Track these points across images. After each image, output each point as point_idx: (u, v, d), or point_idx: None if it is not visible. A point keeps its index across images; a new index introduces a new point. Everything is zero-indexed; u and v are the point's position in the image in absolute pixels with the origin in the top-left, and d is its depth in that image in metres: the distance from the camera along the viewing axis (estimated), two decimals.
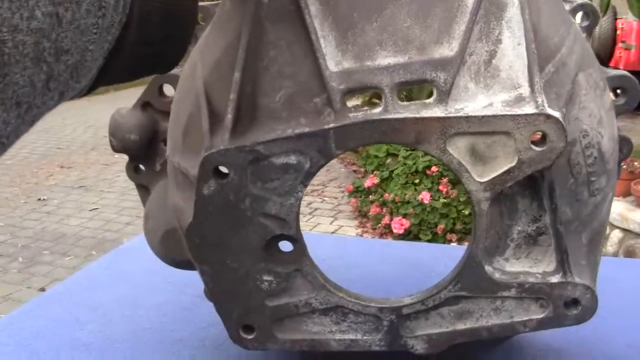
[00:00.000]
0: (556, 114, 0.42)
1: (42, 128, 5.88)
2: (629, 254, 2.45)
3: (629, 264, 0.96)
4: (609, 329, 0.65)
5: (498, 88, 0.43)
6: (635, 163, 2.68)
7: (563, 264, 0.47)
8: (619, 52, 4.81)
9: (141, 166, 0.62)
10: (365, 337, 0.49)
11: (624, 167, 2.72)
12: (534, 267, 0.48)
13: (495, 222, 0.47)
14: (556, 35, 0.47)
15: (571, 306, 0.48)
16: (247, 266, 0.48)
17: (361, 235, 3.34)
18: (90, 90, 0.31)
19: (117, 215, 3.78)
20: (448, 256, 0.81)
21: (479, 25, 0.44)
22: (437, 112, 0.43)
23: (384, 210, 3.32)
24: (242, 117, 0.45)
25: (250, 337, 0.50)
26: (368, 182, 3.53)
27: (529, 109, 0.42)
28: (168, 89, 0.60)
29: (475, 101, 0.43)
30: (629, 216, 2.47)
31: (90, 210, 3.93)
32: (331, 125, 0.43)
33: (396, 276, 0.79)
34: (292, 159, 0.44)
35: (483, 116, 0.42)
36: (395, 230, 3.18)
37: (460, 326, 0.49)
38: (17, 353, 0.62)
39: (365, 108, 0.44)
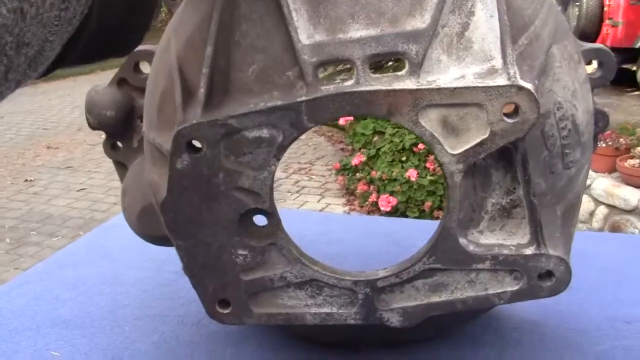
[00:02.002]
0: (528, 85, 0.42)
1: (28, 109, 5.84)
2: (614, 229, 2.47)
3: (611, 238, 0.97)
4: (586, 302, 0.66)
5: (470, 60, 0.43)
6: (621, 139, 2.69)
7: (537, 236, 0.47)
8: (606, 29, 4.81)
9: (118, 143, 0.62)
10: (340, 311, 0.49)
11: (609, 142, 2.74)
12: (508, 239, 0.48)
13: (469, 194, 0.47)
14: (530, 7, 0.47)
15: (545, 278, 0.48)
16: (222, 240, 0.48)
17: (348, 213, 3.35)
18: (45, 74, 0.31)
19: (105, 196, 3.77)
20: (428, 231, 0.81)
21: None
22: (409, 84, 0.42)
23: (371, 187, 3.33)
24: (215, 91, 0.45)
25: (226, 311, 0.50)
26: (355, 160, 3.53)
27: (501, 80, 0.42)
28: (144, 66, 0.60)
29: (447, 73, 0.43)
30: (614, 192, 2.48)
31: (77, 191, 3.93)
32: (303, 98, 0.43)
33: (377, 251, 0.80)
34: (265, 133, 0.44)
35: (455, 88, 0.42)
36: (382, 208, 3.19)
37: (435, 299, 0.49)
38: None
39: (337, 80, 0.43)
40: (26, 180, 4.11)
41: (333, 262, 0.78)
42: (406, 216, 3.20)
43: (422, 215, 3.21)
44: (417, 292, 0.49)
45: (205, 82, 0.44)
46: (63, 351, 0.58)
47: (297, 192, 3.70)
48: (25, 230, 3.31)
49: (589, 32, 4.96)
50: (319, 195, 3.66)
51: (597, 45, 0.56)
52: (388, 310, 0.49)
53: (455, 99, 0.42)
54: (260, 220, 0.48)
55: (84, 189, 3.95)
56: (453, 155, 0.44)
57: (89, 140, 4.97)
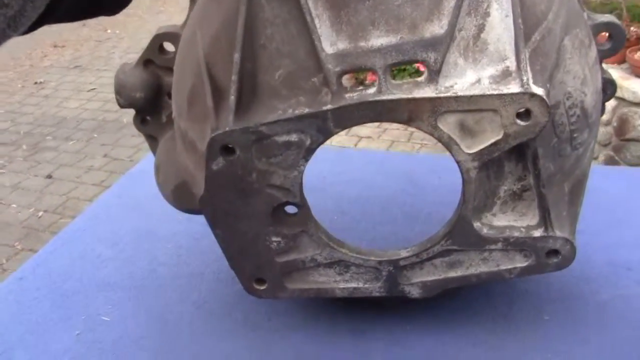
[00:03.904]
0: (540, 91, 0.44)
1: None
2: (622, 122, 2.49)
3: (618, 173, 1.00)
4: (590, 246, 0.69)
5: (486, 62, 0.46)
6: (632, 28, 2.64)
7: (545, 220, 0.51)
8: None
9: (148, 117, 0.64)
10: (366, 285, 0.54)
11: None
12: (519, 220, 0.52)
13: (483, 184, 0.50)
14: (543, 2, 0.48)
15: (552, 256, 0.52)
16: (257, 229, 0.52)
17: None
18: (28, 32, 0.30)
19: None
20: (442, 167, 0.85)
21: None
22: (428, 91, 0.45)
23: None
24: (244, 94, 0.47)
25: (262, 287, 0.55)
26: None
27: (514, 87, 0.45)
28: (167, 45, 0.62)
29: (464, 77, 0.45)
30: (623, 84, 2.47)
31: (88, 91, 3.93)
32: (329, 106, 0.46)
33: (394, 191, 0.84)
34: (294, 137, 0.47)
35: (471, 96, 0.45)
36: None
37: (452, 274, 0.54)
38: (51, 296, 0.67)
39: (360, 88, 0.46)
40: (36, 83, 4.12)
41: (354, 204, 0.82)
42: None
43: None
44: (435, 268, 0.54)
45: (234, 89, 0.47)
46: (112, 316, 0.63)
47: None
48: (40, 135, 3.35)
49: None
50: None
51: (607, 17, 0.57)
52: (409, 285, 0.54)
53: (472, 106, 0.45)
54: (291, 208, 0.52)
55: (94, 88, 3.96)
56: (469, 154, 0.47)
57: (95, 36, 4.93)
